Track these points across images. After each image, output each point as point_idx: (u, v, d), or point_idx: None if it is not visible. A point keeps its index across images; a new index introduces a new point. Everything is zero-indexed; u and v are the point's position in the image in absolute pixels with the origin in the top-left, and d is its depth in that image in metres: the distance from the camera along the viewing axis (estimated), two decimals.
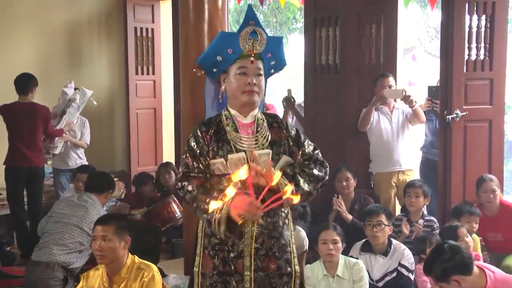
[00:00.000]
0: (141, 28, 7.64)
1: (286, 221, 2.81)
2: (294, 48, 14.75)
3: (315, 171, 2.80)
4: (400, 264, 4.28)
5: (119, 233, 3.52)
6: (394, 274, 4.28)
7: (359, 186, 5.54)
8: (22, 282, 4.49)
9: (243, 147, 2.71)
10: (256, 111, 2.81)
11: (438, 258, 3.32)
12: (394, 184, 5.56)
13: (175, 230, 5.84)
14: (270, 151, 2.73)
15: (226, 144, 2.70)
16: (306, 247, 4.85)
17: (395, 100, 5.68)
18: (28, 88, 5.80)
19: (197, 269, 2.75)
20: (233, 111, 2.78)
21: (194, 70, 2.96)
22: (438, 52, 5.96)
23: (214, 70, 2.83)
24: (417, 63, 14.62)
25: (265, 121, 2.82)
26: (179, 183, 2.68)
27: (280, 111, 7.62)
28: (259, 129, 2.78)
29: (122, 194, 6.11)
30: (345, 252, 4.36)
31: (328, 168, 2.93)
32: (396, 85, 5.68)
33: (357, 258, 4.28)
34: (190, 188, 2.62)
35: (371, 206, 4.85)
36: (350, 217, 5.07)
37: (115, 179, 5.27)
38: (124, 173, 7.39)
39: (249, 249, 2.68)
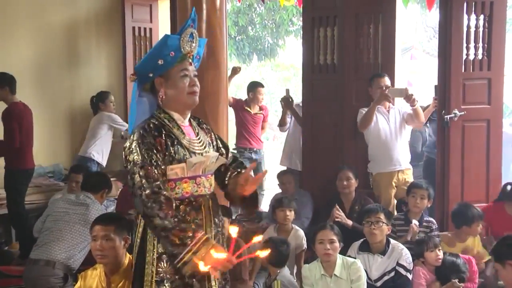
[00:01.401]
0: (139, 28, 7.65)
1: None
2: (291, 49, 14.78)
3: None
4: (398, 264, 4.27)
5: (119, 233, 3.51)
6: (392, 273, 4.27)
7: (357, 186, 5.54)
8: (20, 282, 4.49)
9: (195, 150, 2.74)
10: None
11: (506, 241, 3.60)
12: (394, 184, 5.56)
13: None
14: (218, 154, 2.84)
15: (181, 148, 2.69)
16: (305, 246, 4.87)
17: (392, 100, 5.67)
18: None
19: (149, 278, 2.66)
20: (175, 115, 2.77)
21: (129, 76, 2.90)
22: (436, 51, 5.96)
23: (151, 75, 2.77)
24: (415, 62, 14.66)
25: (194, 123, 2.89)
26: (148, 202, 2.52)
27: (274, 111, 7.65)
28: (197, 131, 2.84)
29: None
30: (343, 252, 4.35)
31: None
32: (393, 85, 5.69)
33: (355, 258, 4.28)
34: (161, 215, 2.50)
35: (370, 205, 4.85)
36: (350, 222, 5.07)
37: (113, 179, 5.26)
38: (122, 173, 7.38)
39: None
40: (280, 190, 5.97)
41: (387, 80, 5.59)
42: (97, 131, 6.82)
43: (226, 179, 2.94)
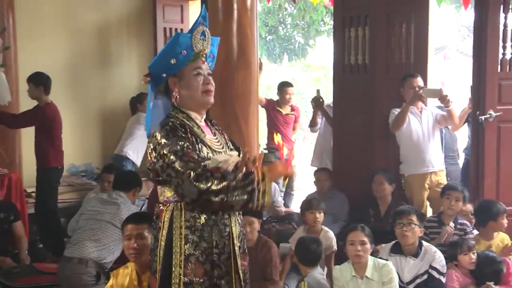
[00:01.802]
0: (170, 28, 7.72)
1: None
2: (322, 49, 14.71)
3: None
4: (431, 267, 4.21)
5: (152, 231, 3.53)
6: (425, 276, 4.21)
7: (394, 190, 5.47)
8: (54, 279, 4.54)
9: (216, 148, 2.70)
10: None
11: None
12: (427, 186, 5.49)
13: None
14: (237, 153, 2.77)
15: (205, 146, 2.65)
16: (335, 247, 4.84)
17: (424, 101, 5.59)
18: None
19: (177, 280, 2.59)
20: (192, 114, 2.73)
21: (142, 78, 2.82)
22: (470, 51, 5.86)
23: (164, 75, 2.72)
24: (448, 62, 14.47)
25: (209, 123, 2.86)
26: (202, 180, 2.41)
27: (304, 111, 7.63)
28: (213, 131, 2.81)
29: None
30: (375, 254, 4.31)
31: None
32: (426, 85, 5.61)
33: (386, 260, 4.23)
34: (215, 187, 2.41)
35: (402, 207, 4.79)
36: None
37: (144, 179, 5.30)
38: None
39: (236, 249, 2.67)
40: (309, 191, 5.95)
41: (420, 81, 5.51)
42: (134, 130, 6.90)
43: None
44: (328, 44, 12.96)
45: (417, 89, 5.44)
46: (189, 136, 2.58)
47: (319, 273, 4.42)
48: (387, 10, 5.77)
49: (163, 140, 2.53)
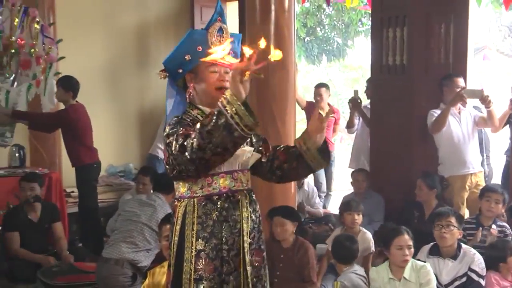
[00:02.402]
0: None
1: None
2: (360, 49, 14.62)
3: None
4: (470, 269, 4.16)
5: None
6: (464, 279, 4.16)
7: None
8: (93, 278, 4.61)
9: None
10: None
11: None
12: (467, 187, 5.42)
13: None
14: (252, 148, 2.73)
15: None
16: (372, 248, 4.82)
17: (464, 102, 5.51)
18: None
19: (187, 276, 2.59)
20: (207, 110, 2.66)
21: (158, 73, 2.83)
22: (511, 51, 5.76)
23: (180, 71, 2.72)
24: (488, 63, 14.21)
25: None
26: (187, 152, 2.34)
27: (341, 112, 7.60)
28: None
29: None
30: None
31: None
32: (466, 85, 5.54)
33: (424, 261, 4.20)
34: (191, 141, 2.34)
35: (441, 208, 4.74)
36: None
37: None
38: None
39: (245, 246, 2.64)
40: (348, 192, 5.93)
41: (461, 81, 5.45)
42: None
43: (277, 154, 2.80)
44: (366, 44, 12.88)
45: (459, 89, 5.38)
46: None
47: (354, 272, 4.41)
48: (426, 10, 5.70)
49: (168, 129, 2.52)
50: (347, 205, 4.99)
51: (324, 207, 7.00)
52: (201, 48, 2.63)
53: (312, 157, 2.71)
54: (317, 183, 7.18)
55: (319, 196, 6.81)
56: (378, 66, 6.07)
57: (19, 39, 5.16)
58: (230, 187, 2.65)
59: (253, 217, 2.73)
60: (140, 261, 4.43)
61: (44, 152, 6.20)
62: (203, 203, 2.60)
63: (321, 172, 7.26)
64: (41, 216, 5.25)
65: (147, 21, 7.68)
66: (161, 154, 6.96)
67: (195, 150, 2.33)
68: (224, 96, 2.31)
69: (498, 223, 4.80)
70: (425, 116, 5.55)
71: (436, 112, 5.44)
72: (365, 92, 6.78)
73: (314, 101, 7.49)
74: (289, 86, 4.83)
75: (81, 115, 5.82)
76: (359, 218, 4.87)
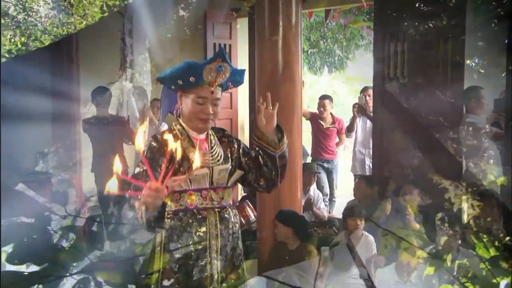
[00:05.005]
0: (220, 44, 7.91)
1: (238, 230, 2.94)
2: (361, 62, 14.79)
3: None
4: None
5: None
6: None
7: None
8: None
9: (207, 161, 2.75)
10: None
11: None
12: None
13: (249, 232, 6.08)
14: (229, 166, 2.84)
15: (186, 161, 2.71)
16: (374, 251, 4.94)
17: None
18: None
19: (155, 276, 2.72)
20: (188, 129, 2.81)
21: (154, 81, 3.04)
22: None
23: (172, 87, 2.81)
24: None
25: (215, 136, 2.91)
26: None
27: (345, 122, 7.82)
28: (212, 145, 2.85)
29: None
30: None
31: None
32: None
33: None
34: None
35: None
36: None
37: None
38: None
39: (214, 262, 2.75)
40: (350, 198, 6.10)
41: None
42: None
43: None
44: (366, 57, 13.10)
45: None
46: (172, 150, 2.33)
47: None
48: (424, 25, 5.77)
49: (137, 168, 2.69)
50: (350, 210, 5.07)
51: (328, 212, 7.12)
52: (193, 79, 2.70)
53: (268, 141, 2.84)
54: (319, 186, 7.28)
55: (323, 200, 6.99)
56: (380, 78, 6.15)
57: None
58: (197, 204, 2.76)
59: (224, 234, 2.81)
60: None
61: None
62: (170, 218, 2.74)
63: (323, 177, 7.45)
64: None
65: (163, 35, 7.99)
66: None
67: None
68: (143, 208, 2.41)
69: None
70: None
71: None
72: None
73: (317, 112, 7.65)
74: (295, 97, 4.96)
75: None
76: (361, 223, 4.97)
